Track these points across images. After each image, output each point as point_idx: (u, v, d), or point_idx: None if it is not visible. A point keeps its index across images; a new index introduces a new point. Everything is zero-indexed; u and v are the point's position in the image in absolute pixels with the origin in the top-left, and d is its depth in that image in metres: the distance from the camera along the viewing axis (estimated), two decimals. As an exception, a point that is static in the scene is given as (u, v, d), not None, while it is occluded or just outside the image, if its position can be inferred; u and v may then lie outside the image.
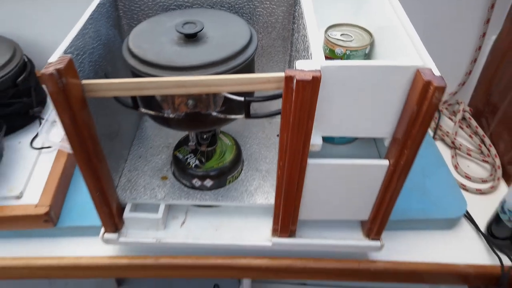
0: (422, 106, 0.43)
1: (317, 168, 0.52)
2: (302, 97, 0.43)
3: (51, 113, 0.76)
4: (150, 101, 0.50)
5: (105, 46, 0.55)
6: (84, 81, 0.45)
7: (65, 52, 0.44)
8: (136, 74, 0.49)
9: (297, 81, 0.41)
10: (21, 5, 0.82)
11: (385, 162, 0.52)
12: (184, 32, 0.49)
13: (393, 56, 0.53)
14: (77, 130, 0.46)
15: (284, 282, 1.15)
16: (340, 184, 0.55)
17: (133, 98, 0.50)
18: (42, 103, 0.79)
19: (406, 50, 0.48)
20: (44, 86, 0.42)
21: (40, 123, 0.76)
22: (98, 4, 0.53)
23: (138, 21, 0.61)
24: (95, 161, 0.50)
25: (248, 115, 0.50)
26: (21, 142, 0.74)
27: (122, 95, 0.49)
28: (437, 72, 0.42)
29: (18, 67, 0.73)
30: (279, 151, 0.50)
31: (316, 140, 0.49)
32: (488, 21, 0.81)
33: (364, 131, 0.50)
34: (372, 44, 0.58)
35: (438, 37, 0.86)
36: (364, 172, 0.53)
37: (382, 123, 0.49)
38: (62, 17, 0.83)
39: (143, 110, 0.51)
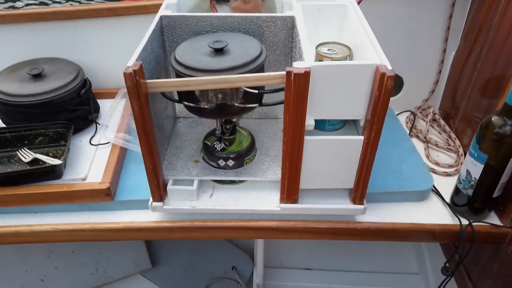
0: (381, 91, 0.63)
1: (312, 143, 0.71)
2: (298, 86, 0.63)
3: (105, 119, 0.97)
4: (190, 96, 0.71)
5: (156, 59, 0.76)
6: (148, 80, 0.66)
7: (137, 60, 0.65)
8: (181, 76, 0.69)
9: (294, 74, 0.62)
10: (84, 40, 1.07)
11: (361, 137, 0.71)
12: (214, 47, 0.70)
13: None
14: (142, 115, 0.67)
15: (291, 267, 1.32)
16: (329, 157, 0.73)
17: (179, 94, 0.71)
18: (97, 111, 1.00)
19: (370, 55, 0.68)
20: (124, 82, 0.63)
21: (96, 127, 0.97)
22: (153, 30, 0.74)
23: (176, 43, 0.82)
24: (150, 140, 0.70)
25: (261, 104, 0.70)
26: (81, 141, 0.95)
27: (173, 90, 0.69)
28: (389, 67, 0.63)
29: (81, 83, 0.96)
30: (283, 129, 0.69)
31: (310, 121, 0.69)
32: (446, 39, 1.02)
33: (344, 113, 0.70)
34: (351, 55, 0.79)
35: (412, 54, 1.07)
36: (346, 146, 0.72)
37: (357, 107, 0.68)
38: (109, 52, 1.08)
39: (185, 103, 0.72)
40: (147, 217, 0.83)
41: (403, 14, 1.03)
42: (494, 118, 0.74)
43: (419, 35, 1.05)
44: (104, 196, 0.82)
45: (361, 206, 0.79)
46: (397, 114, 1.12)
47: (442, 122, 1.06)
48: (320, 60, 0.77)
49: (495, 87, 0.87)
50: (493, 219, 0.84)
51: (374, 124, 0.67)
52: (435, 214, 0.85)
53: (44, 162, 0.86)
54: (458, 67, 1.03)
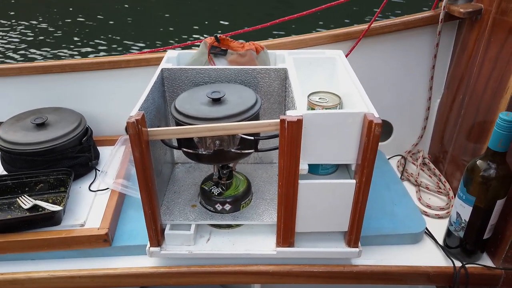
0: (369, 137, 0.67)
1: (306, 187, 0.74)
2: (291, 132, 0.67)
3: (104, 165, 0.99)
4: (189, 143, 0.74)
5: (157, 109, 0.80)
6: (150, 129, 0.69)
7: (139, 109, 0.69)
8: (181, 124, 0.73)
9: (288, 122, 0.66)
10: (86, 91, 1.13)
11: (353, 181, 0.74)
12: (212, 97, 0.75)
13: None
14: (143, 162, 0.70)
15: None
16: (323, 200, 0.76)
17: (178, 141, 0.74)
18: (97, 158, 1.03)
19: (358, 104, 0.73)
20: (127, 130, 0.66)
21: (96, 173, 1.00)
22: (154, 82, 0.79)
23: (176, 94, 0.87)
24: (150, 185, 0.73)
25: (256, 150, 0.74)
26: (81, 187, 0.97)
27: (173, 137, 0.72)
28: (376, 115, 0.67)
29: (82, 131, 0.99)
30: (278, 174, 0.72)
31: (303, 166, 0.72)
32: (431, 88, 1.08)
33: (336, 158, 0.73)
34: (341, 104, 0.84)
35: (399, 102, 1.13)
36: (339, 189, 0.75)
37: (348, 152, 0.72)
38: (110, 101, 1.14)
39: (184, 149, 0.75)
40: (144, 262, 0.83)
41: (389, 65, 1.10)
42: (479, 162, 0.77)
43: (406, 84, 1.11)
44: (102, 241, 0.83)
45: (356, 249, 0.80)
46: (388, 159, 1.16)
47: (432, 165, 1.09)
48: (312, 108, 0.82)
49: (479, 132, 0.92)
50: (486, 260, 0.86)
51: (365, 168, 0.70)
52: (429, 256, 0.87)
53: (43, 209, 0.88)
54: (444, 114, 1.09)
